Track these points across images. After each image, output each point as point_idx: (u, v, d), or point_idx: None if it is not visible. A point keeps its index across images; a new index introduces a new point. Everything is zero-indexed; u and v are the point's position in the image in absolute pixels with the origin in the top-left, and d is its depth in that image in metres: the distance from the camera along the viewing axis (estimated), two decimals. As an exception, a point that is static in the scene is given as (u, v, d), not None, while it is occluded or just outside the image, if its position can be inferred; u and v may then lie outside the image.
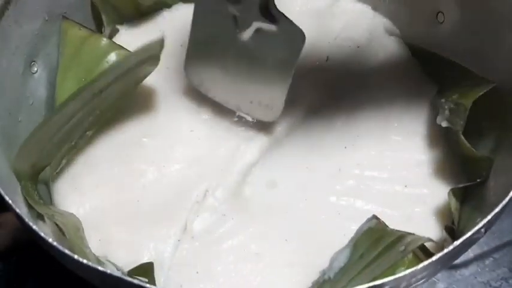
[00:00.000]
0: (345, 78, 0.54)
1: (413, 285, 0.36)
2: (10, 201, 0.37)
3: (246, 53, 0.48)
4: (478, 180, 0.45)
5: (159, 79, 0.52)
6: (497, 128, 0.47)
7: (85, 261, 0.34)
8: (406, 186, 0.49)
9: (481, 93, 0.46)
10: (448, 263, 0.39)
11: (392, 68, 0.55)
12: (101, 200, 0.47)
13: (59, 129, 0.45)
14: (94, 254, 0.43)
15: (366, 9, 0.59)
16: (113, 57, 0.51)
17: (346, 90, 0.53)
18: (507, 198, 0.37)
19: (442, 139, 0.50)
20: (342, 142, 0.51)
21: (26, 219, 0.37)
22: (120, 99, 0.50)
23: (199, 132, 0.51)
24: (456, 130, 0.47)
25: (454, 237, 0.43)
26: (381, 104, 0.52)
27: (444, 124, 0.49)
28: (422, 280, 0.37)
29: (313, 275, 0.43)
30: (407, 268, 0.34)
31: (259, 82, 0.49)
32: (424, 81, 0.54)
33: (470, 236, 0.36)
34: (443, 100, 0.50)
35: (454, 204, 0.46)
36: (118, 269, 0.44)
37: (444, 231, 0.45)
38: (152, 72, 0.50)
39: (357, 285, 0.33)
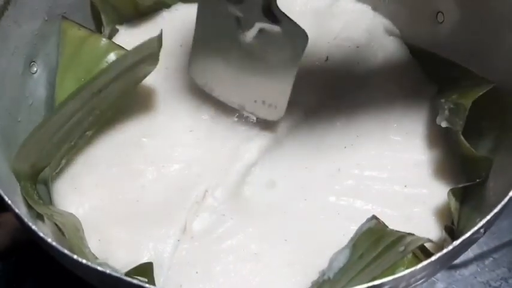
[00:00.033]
0: (345, 78, 0.54)
1: (413, 285, 0.36)
2: (9, 202, 0.37)
3: (249, 53, 0.49)
4: (478, 180, 0.45)
5: (158, 79, 0.52)
6: (497, 128, 0.47)
7: (84, 261, 0.34)
8: (405, 186, 0.49)
9: (480, 93, 0.46)
10: (448, 263, 0.39)
11: (392, 68, 0.55)
12: (100, 200, 0.47)
13: (59, 129, 0.46)
14: (93, 255, 0.43)
15: (366, 9, 0.59)
16: (112, 57, 0.52)
17: (345, 90, 0.53)
18: (506, 199, 0.37)
19: (441, 139, 0.50)
20: (341, 142, 0.51)
21: (26, 220, 0.37)
22: (120, 99, 0.50)
23: (199, 132, 0.51)
24: (456, 130, 0.47)
25: (454, 237, 0.43)
26: (381, 104, 0.52)
27: (444, 124, 0.49)
28: (422, 280, 0.37)
29: (313, 275, 0.43)
30: (407, 268, 0.34)
31: (263, 82, 0.49)
32: (423, 82, 0.54)
33: (469, 236, 0.36)
34: (442, 100, 0.49)
35: (453, 204, 0.46)
36: (116, 270, 0.44)
37: (444, 231, 0.45)
38: (152, 72, 0.50)
39: (357, 285, 0.33)
